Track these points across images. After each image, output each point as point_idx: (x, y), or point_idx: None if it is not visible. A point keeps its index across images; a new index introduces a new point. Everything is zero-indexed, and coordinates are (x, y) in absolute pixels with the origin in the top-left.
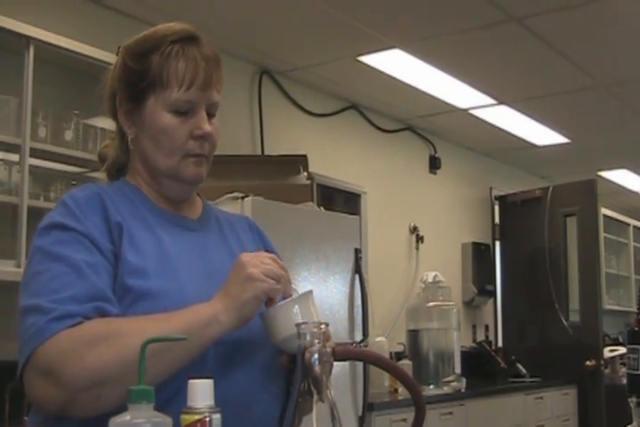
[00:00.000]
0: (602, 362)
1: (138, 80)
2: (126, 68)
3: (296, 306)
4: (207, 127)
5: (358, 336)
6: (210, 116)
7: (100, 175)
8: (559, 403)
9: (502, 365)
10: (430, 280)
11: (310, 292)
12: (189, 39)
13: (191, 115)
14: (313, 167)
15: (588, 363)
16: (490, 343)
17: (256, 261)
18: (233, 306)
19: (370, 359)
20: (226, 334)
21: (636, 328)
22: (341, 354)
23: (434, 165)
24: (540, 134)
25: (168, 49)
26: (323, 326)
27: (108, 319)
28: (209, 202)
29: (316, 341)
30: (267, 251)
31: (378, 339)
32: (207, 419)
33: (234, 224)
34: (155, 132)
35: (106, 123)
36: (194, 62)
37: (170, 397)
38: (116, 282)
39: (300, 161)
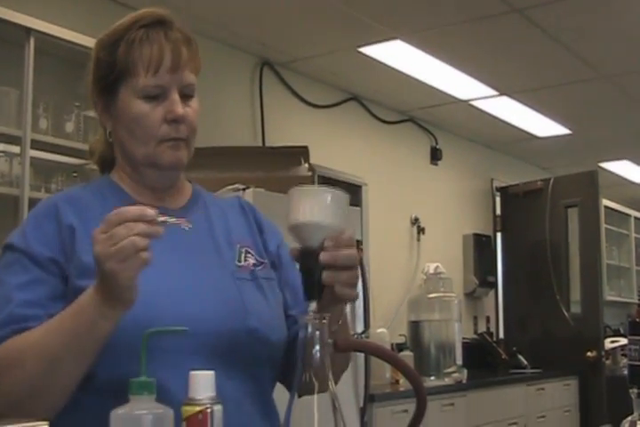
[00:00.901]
0: (603, 353)
1: (109, 72)
2: (99, 61)
3: (329, 198)
4: (179, 110)
5: (360, 328)
6: (187, 97)
7: None
8: (560, 394)
9: (503, 356)
10: (431, 272)
11: (347, 197)
12: (157, 23)
13: (162, 99)
14: (314, 159)
15: (589, 354)
16: (491, 335)
17: (108, 249)
18: (111, 299)
19: (371, 351)
20: (118, 322)
21: (638, 319)
22: (343, 346)
23: (435, 156)
24: (542, 126)
25: (132, 35)
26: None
27: (7, 344)
28: (200, 188)
29: (317, 332)
30: (260, 227)
31: (379, 330)
32: (209, 410)
33: (224, 209)
34: (128, 121)
35: None
36: (158, 45)
37: None
38: (68, 284)
39: (301, 152)
